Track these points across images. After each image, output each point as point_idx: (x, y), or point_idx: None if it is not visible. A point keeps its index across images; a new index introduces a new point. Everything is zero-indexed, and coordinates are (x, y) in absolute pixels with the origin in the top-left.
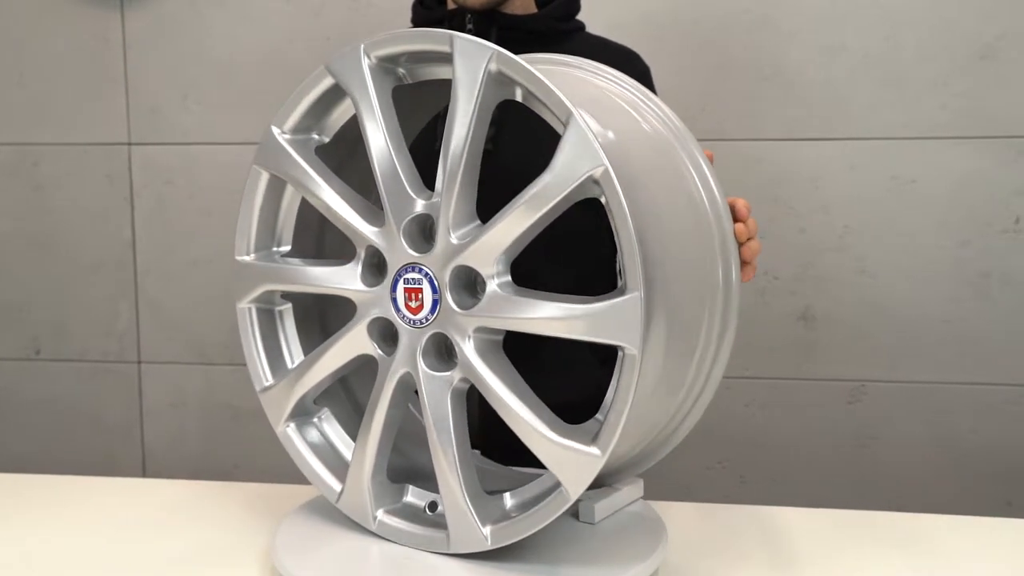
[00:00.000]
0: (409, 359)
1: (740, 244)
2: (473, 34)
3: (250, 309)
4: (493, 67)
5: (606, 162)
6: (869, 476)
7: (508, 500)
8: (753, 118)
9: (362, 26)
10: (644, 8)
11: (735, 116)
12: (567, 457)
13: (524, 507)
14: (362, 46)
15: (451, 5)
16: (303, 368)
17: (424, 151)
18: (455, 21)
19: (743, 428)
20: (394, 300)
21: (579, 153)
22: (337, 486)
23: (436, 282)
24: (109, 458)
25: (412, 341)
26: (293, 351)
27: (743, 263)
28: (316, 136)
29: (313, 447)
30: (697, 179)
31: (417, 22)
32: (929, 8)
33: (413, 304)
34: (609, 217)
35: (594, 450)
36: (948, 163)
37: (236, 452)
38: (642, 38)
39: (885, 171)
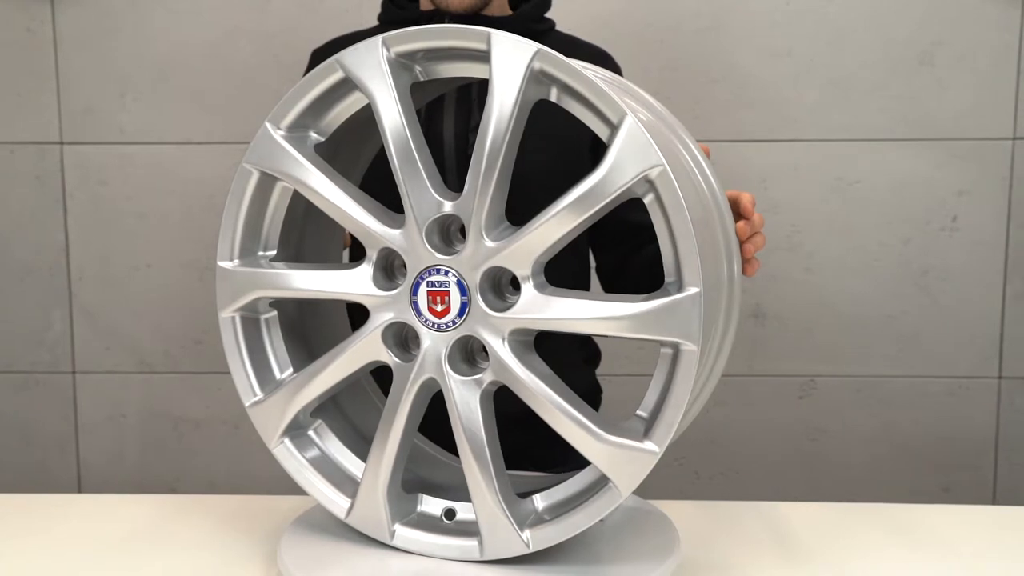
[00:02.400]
0: (433, 364)
1: (742, 241)
2: None
3: (234, 318)
4: (536, 65)
5: (663, 162)
6: (819, 469)
7: (538, 502)
8: (703, 120)
9: (311, 23)
10: (596, 10)
11: (685, 118)
12: (620, 455)
13: (558, 508)
14: (381, 40)
15: (427, 6)
16: (304, 379)
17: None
18: (431, 23)
19: (697, 425)
20: (415, 304)
21: (633, 153)
22: (345, 502)
23: (465, 284)
24: (42, 474)
25: (436, 345)
26: (280, 361)
27: (746, 259)
28: (313, 134)
29: (312, 462)
30: (699, 174)
31: (388, 22)
32: (870, 15)
33: (439, 307)
34: (656, 215)
35: (650, 446)
36: (889, 164)
37: (178, 464)
38: (594, 39)
39: (830, 172)
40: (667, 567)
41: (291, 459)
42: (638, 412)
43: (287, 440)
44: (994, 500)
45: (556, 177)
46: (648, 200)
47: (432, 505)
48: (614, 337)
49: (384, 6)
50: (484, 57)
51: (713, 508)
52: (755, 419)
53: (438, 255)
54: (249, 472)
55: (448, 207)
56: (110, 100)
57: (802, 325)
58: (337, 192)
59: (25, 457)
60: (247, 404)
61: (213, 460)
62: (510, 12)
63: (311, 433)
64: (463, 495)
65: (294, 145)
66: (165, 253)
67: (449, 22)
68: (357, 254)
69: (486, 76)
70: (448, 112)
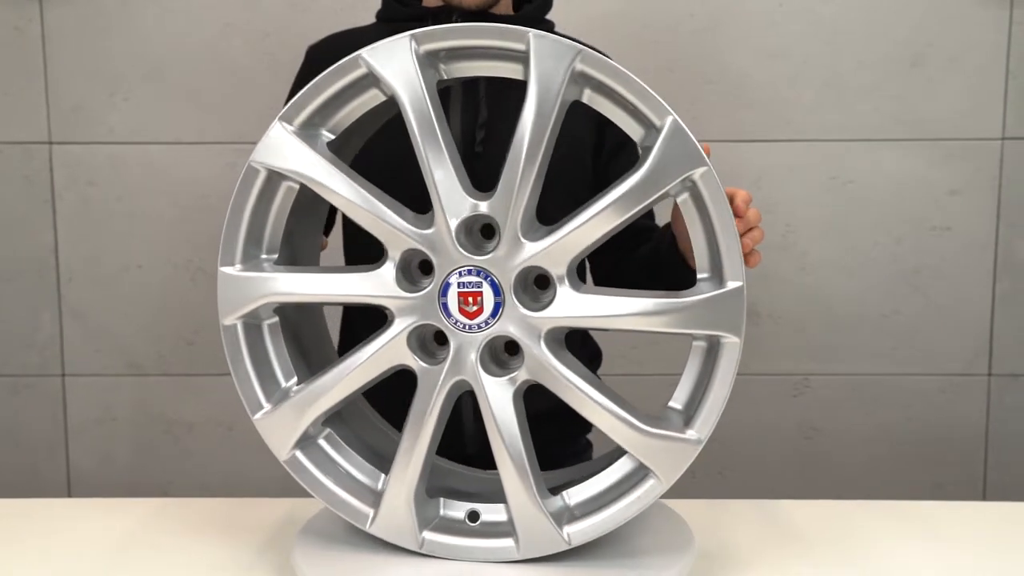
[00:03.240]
0: (464, 366)
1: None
2: None
3: (237, 326)
4: (577, 67)
5: (708, 163)
6: (813, 466)
7: (569, 498)
8: (699, 120)
9: (305, 21)
10: (594, 11)
11: (681, 118)
12: (662, 446)
13: (591, 503)
14: (410, 36)
15: (433, 2)
16: (319, 388)
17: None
18: (439, 19)
19: None
20: (444, 305)
21: (678, 155)
22: (366, 511)
23: (499, 284)
24: (31, 478)
25: (466, 347)
26: (284, 369)
27: (746, 252)
28: (325, 132)
29: (326, 472)
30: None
31: (389, 19)
32: (865, 17)
33: (470, 308)
34: (691, 213)
35: (693, 435)
36: (883, 164)
37: (171, 468)
38: (590, 39)
39: (825, 172)
40: (685, 564)
41: (304, 470)
42: (671, 404)
43: (298, 451)
44: (984, 496)
45: (561, 179)
46: (682, 199)
47: (455, 508)
48: (652, 333)
49: (385, 3)
50: (517, 57)
51: (714, 506)
52: (750, 418)
53: (469, 255)
54: (244, 474)
55: (483, 207)
56: (100, 99)
57: (796, 324)
58: (360, 192)
59: (13, 461)
60: (255, 417)
61: (207, 463)
62: (512, 12)
63: (321, 442)
64: (484, 497)
65: (308, 143)
66: (156, 254)
67: (457, 20)
68: (358, 257)
69: (511, 75)
70: (454, 109)
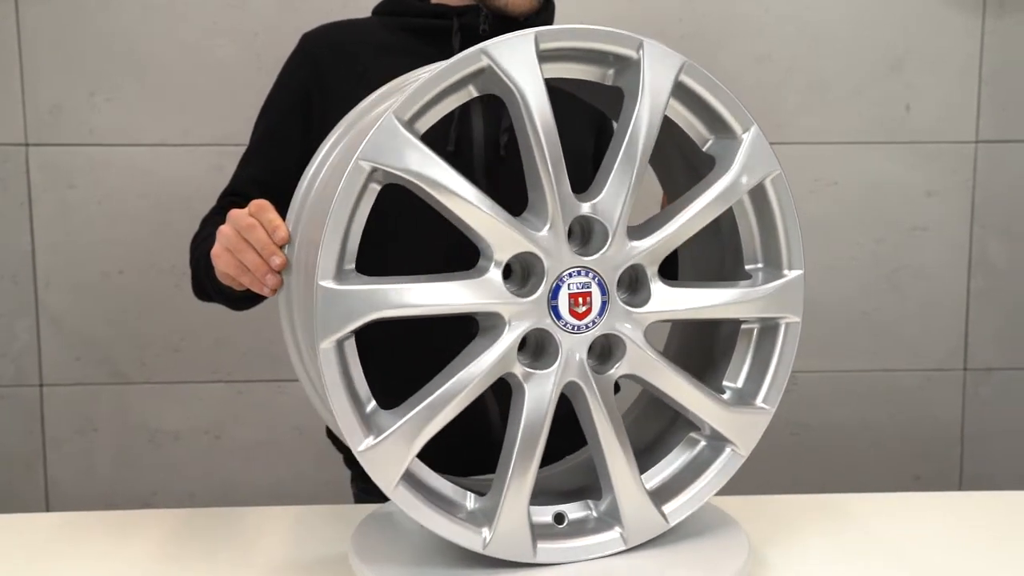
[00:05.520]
0: (575, 367)
1: None
2: (487, 36)
3: (334, 348)
4: (681, 75)
5: (780, 167)
6: (801, 462)
7: (647, 482)
8: None
9: (295, 21)
10: (582, 15)
11: None
12: (741, 419)
13: (669, 485)
14: (535, 33)
15: (460, 1)
16: (427, 411)
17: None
18: (465, 18)
19: None
20: (554, 308)
21: (758, 159)
22: (476, 533)
23: (605, 284)
24: (7, 492)
25: (574, 348)
26: (363, 392)
27: None
28: (416, 130)
29: (427, 498)
30: None
31: (392, 13)
32: (848, 24)
33: (580, 309)
34: (745, 210)
35: (766, 406)
36: (864, 166)
37: (154, 478)
38: None
39: (809, 173)
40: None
41: (411, 500)
42: (725, 383)
43: (403, 482)
44: (960, 486)
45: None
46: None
47: (540, 514)
48: (725, 318)
49: None
50: (605, 61)
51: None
52: None
53: (580, 256)
54: (232, 483)
55: (587, 208)
56: (79, 99)
57: None
58: (474, 192)
59: None
60: (360, 449)
61: (192, 472)
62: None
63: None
64: (559, 499)
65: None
66: (139, 259)
67: (485, 21)
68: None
69: (589, 77)
70: (476, 114)
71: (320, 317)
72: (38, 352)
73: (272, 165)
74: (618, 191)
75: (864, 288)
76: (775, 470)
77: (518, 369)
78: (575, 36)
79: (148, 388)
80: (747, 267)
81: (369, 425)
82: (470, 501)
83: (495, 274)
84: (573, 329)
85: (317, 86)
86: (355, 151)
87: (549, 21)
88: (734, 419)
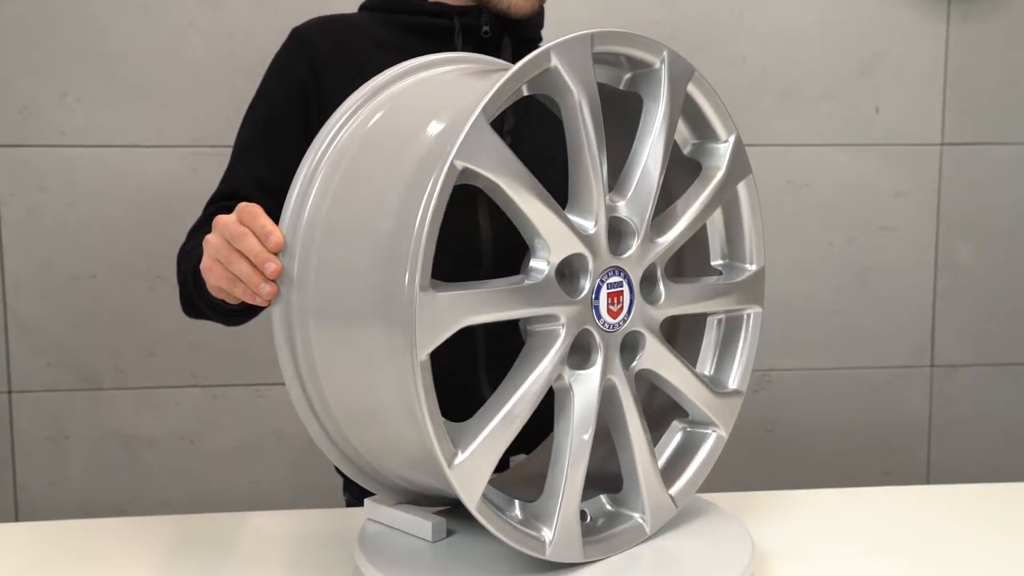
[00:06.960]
0: (611, 366)
1: None
2: (488, 39)
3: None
4: (689, 85)
5: (751, 170)
6: (775, 459)
7: None
8: None
9: (272, 21)
10: (560, 17)
11: None
12: (724, 403)
13: (666, 470)
14: (592, 35)
15: (460, 1)
16: (504, 423)
17: None
18: (466, 18)
19: None
20: (596, 308)
21: (739, 163)
22: (544, 536)
23: (632, 283)
24: None
25: (610, 347)
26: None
27: None
28: None
29: (498, 509)
30: None
31: (381, 9)
32: (818, 27)
33: (615, 308)
34: (717, 213)
35: (737, 388)
36: (835, 168)
37: (129, 486)
38: None
39: (782, 175)
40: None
41: (490, 512)
42: (703, 372)
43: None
44: (928, 480)
45: (557, 197)
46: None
47: None
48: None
49: None
50: (618, 63)
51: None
52: None
53: (615, 256)
54: (208, 489)
55: (622, 208)
56: (50, 99)
57: None
58: (546, 193)
59: None
60: (452, 464)
61: (168, 479)
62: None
63: None
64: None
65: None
66: (112, 263)
67: (486, 22)
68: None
69: (608, 81)
70: None
71: (421, 327)
72: (7, 358)
73: (275, 162)
74: (649, 191)
75: (834, 287)
76: (749, 467)
77: (566, 372)
78: (622, 40)
79: (122, 394)
80: (713, 263)
81: (463, 442)
82: (517, 508)
83: (552, 275)
84: (609, 328)
85: (314, 80)
86: (432, 150)
87: (542, 23)
88: (720, 404)
